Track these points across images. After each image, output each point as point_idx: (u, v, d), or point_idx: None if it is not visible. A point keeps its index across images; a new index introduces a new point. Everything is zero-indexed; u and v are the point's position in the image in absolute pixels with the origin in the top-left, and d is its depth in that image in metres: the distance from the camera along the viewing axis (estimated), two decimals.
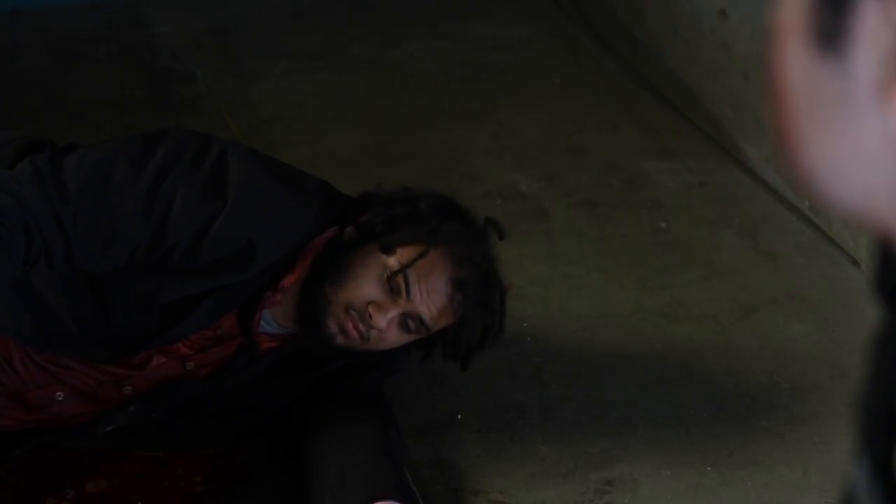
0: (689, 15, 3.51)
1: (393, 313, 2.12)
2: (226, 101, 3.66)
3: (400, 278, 2.10)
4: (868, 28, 0.61)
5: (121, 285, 2.11)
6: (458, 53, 3.98)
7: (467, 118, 3.57)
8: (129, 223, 2.05)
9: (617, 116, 3.59)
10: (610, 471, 2.29)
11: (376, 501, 2.03)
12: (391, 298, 2.11)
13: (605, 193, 3.19)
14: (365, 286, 2.12)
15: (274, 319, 2.20)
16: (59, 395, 2.22)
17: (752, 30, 3.16)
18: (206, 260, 2.07)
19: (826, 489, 2.23)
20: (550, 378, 2.53)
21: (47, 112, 3.57)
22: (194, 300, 2.12)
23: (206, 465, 2.28)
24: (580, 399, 2.47)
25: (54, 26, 4.17)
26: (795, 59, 0.64)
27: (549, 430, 2.39)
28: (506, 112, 3.60)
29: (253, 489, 2.25)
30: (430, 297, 2.12)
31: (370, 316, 2.11)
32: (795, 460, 2.31)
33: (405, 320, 2.13)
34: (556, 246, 2.97)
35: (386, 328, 2.13)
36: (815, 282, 2.83)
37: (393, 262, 2.11)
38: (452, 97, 3.70)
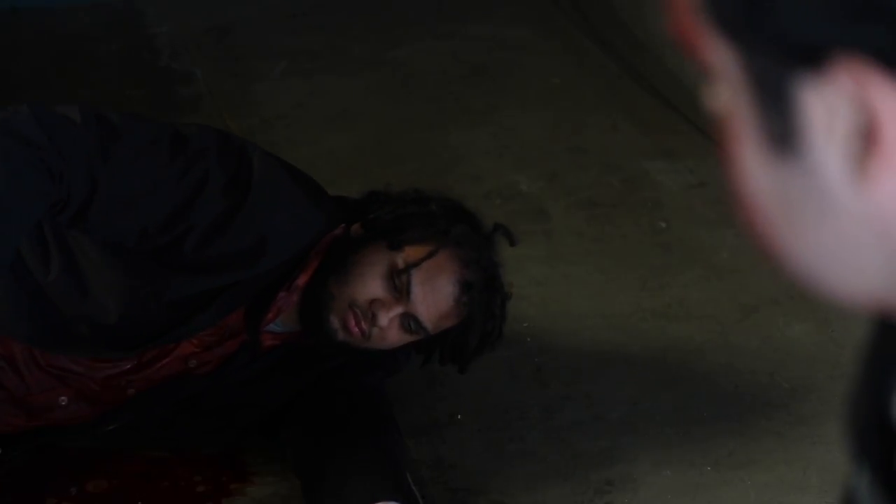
0: None
1: (395, 312, 2.11)
2: (226, 101, 3.66)
3: (404, 278, 2.10)
4: (817, 119, 0.59)
5: (127, 281, 2.10)
6: (458, 53, 3.97)
7: (467, 118, 3.56)
8: (160, 190, 2.03)
9: (617, 116, 3.58)
10: (610, 471, 2.29)
11: (376, 502, 2.03)
12: (394, 297, 2.11)
13: (605, 193, 3.19)
14: (370, 283, 2.11)
15: (279, 318, 2.20)
16: (63, 399, 2.21)
17: None
18: (216, 253, 2.07)
19: (826, 489, 2.23)
20: (550, 378, 2.53)
21: None
22: (201, 298, 2.12)
23: (206, 465, 2.28)
24: (580, 399, 2.47)
25: (54, 26, 4.16)
26: (754, 166, 0.62)
27: (549, 430, 2.39)
28: (506, 112, 3.59)
29: (253, 489, 2.25)
30: (433, 299, 2.12)
31: (373, 314, 2.11)
32: (795, 460, 2.31)
33: (406, 320, 2.13)
34: (556, 246, 2.97)
35: (387, 326, 2.12)
36: None
37: (399, 260, 2.11)
38: (452, 97, 3.69)
